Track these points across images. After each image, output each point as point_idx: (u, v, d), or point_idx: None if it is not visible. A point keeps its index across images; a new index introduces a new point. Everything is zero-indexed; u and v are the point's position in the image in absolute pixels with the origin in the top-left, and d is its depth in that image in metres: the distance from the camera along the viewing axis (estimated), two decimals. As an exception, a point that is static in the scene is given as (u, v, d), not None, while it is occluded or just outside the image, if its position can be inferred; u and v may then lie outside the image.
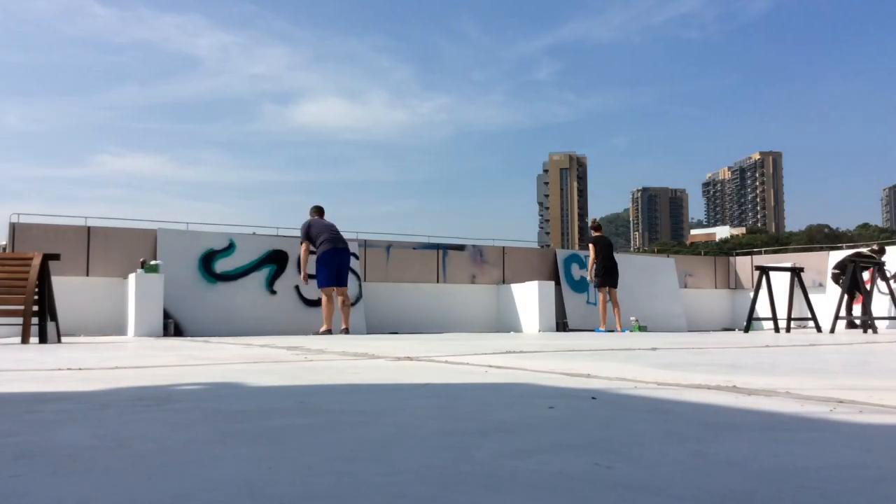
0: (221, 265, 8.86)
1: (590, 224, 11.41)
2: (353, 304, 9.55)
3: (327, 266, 8.19)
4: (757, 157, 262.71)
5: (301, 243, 8.44)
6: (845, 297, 9.70)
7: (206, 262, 8.82)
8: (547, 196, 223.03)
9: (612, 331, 10.09)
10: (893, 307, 9.94)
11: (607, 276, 10.34)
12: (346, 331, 8.25)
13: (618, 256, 12.64)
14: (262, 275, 9.13)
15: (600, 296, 10.44)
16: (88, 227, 8.65)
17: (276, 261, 9.26)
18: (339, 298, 8.31)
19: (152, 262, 8.07)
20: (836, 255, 12.17)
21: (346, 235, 10.19)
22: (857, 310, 10.17)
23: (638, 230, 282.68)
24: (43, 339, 5.96)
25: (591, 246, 10.59)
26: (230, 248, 8.99)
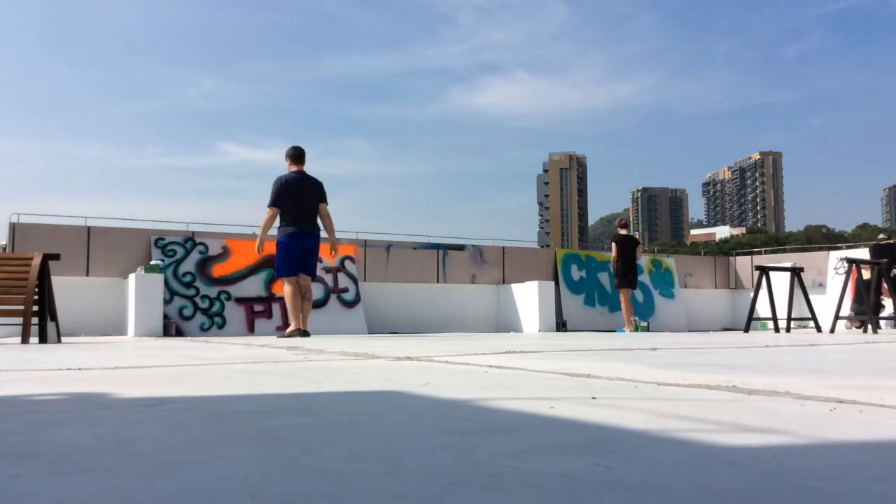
0: (219, 270, 8.86)
1: (616, 222, 11.12)
2: (352, 305, 9.51)
3: (289, 250, 6.77)
4: (757, 157, 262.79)
5: (268, 207, 6.88)
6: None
7: (203, 267, 8.82)
8: (547, 196, 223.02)
9: (639, 329, 10.05)
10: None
11: (625, 277, 10.14)
12: (305, 333, 6.76)
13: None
14: (260, 278, 9.13)
15: (621, 296, 10.28)
16: (88, 227, 8.66)
17: (272, 264, 9.28)
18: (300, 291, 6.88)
19: (152, 262, 8.07)
20: (837, 255, 12.16)
21: (344, 235, 10.10)
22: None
23: (638, 230, 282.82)
24: (43, 339, 5.96)
25: (613, 245, 10.35)
26: (225, 254, 8.98)
